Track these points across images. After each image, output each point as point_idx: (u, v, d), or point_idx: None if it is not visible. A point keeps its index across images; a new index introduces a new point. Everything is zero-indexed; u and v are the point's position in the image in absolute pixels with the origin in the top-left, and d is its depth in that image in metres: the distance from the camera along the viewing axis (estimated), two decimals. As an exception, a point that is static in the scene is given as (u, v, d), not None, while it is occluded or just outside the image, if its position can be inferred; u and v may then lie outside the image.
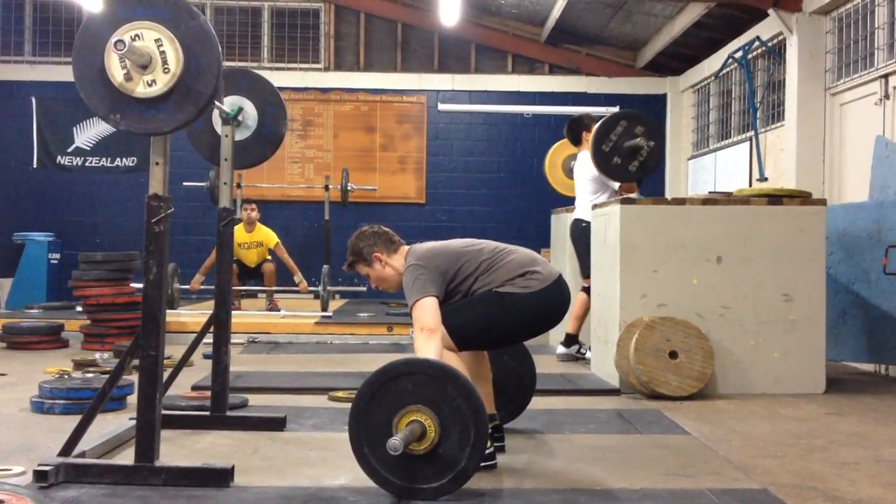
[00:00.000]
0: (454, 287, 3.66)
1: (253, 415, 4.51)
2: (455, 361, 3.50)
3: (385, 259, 3.78)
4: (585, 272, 6.63)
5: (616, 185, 6.60)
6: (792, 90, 8.39)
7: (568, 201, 8.41)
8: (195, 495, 3.11)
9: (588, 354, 6.56)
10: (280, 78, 11.15)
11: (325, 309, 9.17)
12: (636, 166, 6.40)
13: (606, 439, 4.21)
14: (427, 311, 3.48)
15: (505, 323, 3.63)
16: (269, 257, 9.90)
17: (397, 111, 12.17)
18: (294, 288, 9.84)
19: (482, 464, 3.51)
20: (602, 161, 6.39)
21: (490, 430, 3.83)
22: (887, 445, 4.15)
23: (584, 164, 6.73)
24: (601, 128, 6.35)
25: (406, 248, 3.81)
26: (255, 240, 9.76)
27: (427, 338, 3.42)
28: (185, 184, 10.75)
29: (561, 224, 7.69)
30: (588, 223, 6.47)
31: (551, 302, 3.70)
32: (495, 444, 3.81)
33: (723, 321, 5.52)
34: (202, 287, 9.46)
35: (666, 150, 12.27)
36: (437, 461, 3.10)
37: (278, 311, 9.41)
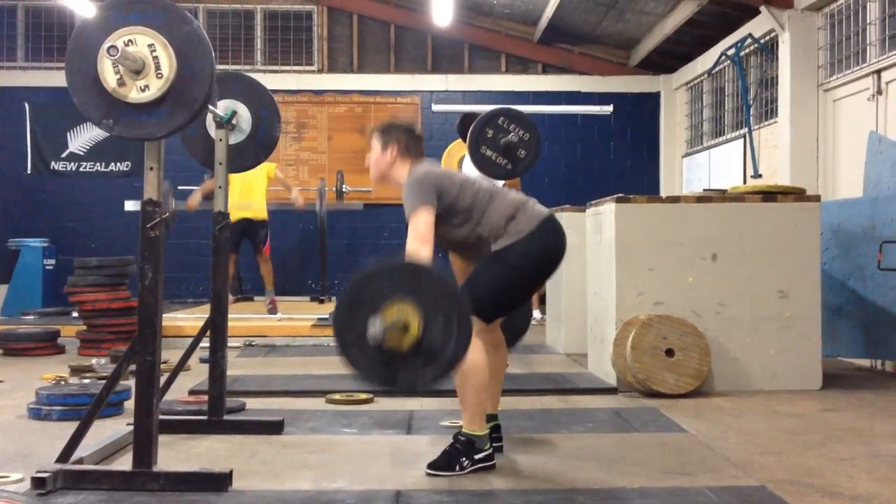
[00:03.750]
0: (449, 211, 3.64)
1: (250, 418, 4.51)
2: (480, 352, 3.50)
3: (395, 154, 3.77)
4: None
5: (500, 182, 6.60)
6: (785, 87, 8.41)
7: (562, 201, 8.41)
8: (193, 500, 3.11)
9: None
10: (274, 81, 11.16)
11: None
12: (515, 161, 6.44)
13: (604, 438, 4.22)
14: (423, 221, 3.51)
15: (516, 280, 3.65)
16: (265, 215, 9.57)
17: (391, 112, 12.16)
18: (292, 294, 9.79)
19: (480, 465, 3.52)
20: (482, 161, 6.41)
21: (488, 430, 3.85)
22: (884, 440, 4.16)
23: (469, 164, 6.70)
24: (475, 129, 6.29)
25: (413, 165, 3.79)
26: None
27: (420, 244, 3.45)
28: (179, 187, 10.73)
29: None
30: None
31: (549, 241, 3.71)
32: (494, 445, 3.82)
33: (719, 318, 5.53)
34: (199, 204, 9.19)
35: (660, 148, 12.32)
36: (423, 353, 3.08)
37: (276, 313, 9.37)
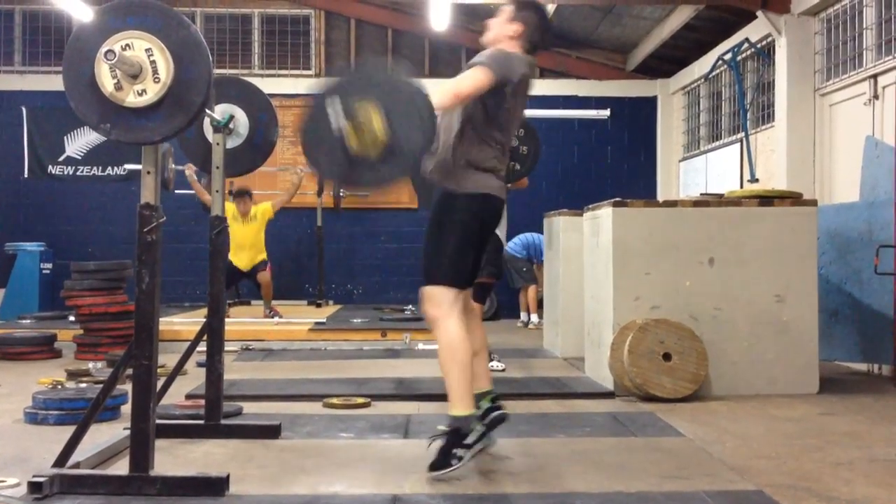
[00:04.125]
0: (491, 103, 3.65)
1: (248, 423, 4.50)
2: (459, 327, 3.53)
3: (517, 33, 3.82)
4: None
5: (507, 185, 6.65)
6: (781, 91, 8.42)
7: (559, 205, 8.43)
8: (190, 505, 3.11)
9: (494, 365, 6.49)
10: (271, 85, 11.16)
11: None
12: (517, 164, 6.55)
13: (601, 442, 4.22)
14: (475, 79, 3.57)
15: (469, 234, 3.66)
16: (264, 256, 9.77)
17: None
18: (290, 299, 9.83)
19: (476, 450, 3.52)
20: None
21: (488, 405, 3.80)
22: (881, 445, 4.16)
23: None
24: None
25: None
26: (250, 214, 9.61)
27: (452, 94, 3.50)
28: (176, 192, 10.73)
29: (553, 227, 7.70)
30: None
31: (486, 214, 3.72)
32: (498, 412, 3.78)
33: (716, 323, 5.53)
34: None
35: (657, 152, 12.34)
36: (393, 151, 3.14)
37: (280, 317, 9.40)
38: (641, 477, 3.55)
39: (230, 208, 9.00)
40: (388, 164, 3.15)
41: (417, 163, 3.19)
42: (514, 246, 9.80)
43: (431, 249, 3.68)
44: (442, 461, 3.50)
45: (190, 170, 9.49)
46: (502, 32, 3.84)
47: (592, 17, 10.96)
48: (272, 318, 9.38)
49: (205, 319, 4.33)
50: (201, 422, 4.28)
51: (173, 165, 9.62)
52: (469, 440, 3.53)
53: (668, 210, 5.67)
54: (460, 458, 3.49)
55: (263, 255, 9.77)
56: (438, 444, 3.56)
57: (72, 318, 8.36)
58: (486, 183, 3.68)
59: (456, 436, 3.53)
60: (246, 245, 9.58)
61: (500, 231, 6.67)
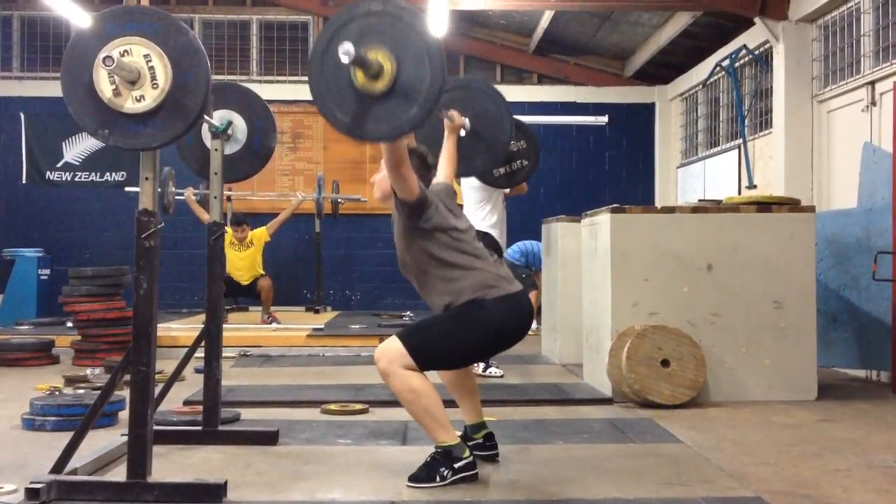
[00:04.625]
0: (429, 230, 3.61)
1: (245, 429, 4.50)
2: (418, 378, 3.49)
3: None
4: None
5: (505, 189, 6.67)
6: (779, 98, 8.43)
7: (557, 211, 8.43)
8: (188, 511, 3.11)
9: (492, 371, 6.54)
10: (269, 91, 11.18)
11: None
12: (516, 169, 6.51)
13: (599, 449, 4.21)
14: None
15: (466, 341, 3.58)
16: (262, 272, 9.87)
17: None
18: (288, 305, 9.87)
19: (462, 474, 3.48)
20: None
21: (481, 440, 3.84)
22: (880, 451, 4.16)
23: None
24: None
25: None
26: (246, 240, 9.76)
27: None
28: (175, 197, 10.72)
29: (552, 233, 7.71)
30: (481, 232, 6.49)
31: (511, 319, 3.62)
32: (489, 453, 3.81)
33: (714, 329, 5.53)
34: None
35: (655, 159, 12.35)
36: (398, 94, 3.10)
37: (279, 322, 9.42)
38: (640, 483, 3.54)
39: (227, 235, 9.08)
40: (400, 103, 3.10)
41: (430, 105, 3.11)
42: (512, 253, 9.82)
43: (426, 325, 3.65)
44: (424, 475, 3.48)
45: (189, 192, 9.58)
46: (385, 186, 3.74)
47: (590, 23, 10.98)
48: (270, 323, 9.38)
49: (203, 325, 4.33)
50: (199, 428, 4.28)
51: (174, 189, 9.67)
52: (458, 464, 3.50)
53: (667, 216, 5.67)
54: (443, 479, 3.46)
55: (261, 272, 9.92)
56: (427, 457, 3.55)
57: (70, 324, 8.35)
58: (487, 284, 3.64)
59: (447, 457, 3.50)
60: (243, 268, 9.79)
61: (502, 220, 6.68)
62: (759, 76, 9.28)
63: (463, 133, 4.48)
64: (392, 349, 3.53)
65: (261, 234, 9.93)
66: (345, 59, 3.00)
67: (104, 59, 3.03)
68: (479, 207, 6.55)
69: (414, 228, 3.61)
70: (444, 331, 3.57)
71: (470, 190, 6.63)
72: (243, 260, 9.75)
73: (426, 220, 3.59)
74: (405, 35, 3.12)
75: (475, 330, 3.56)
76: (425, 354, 3.53)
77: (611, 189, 12.00)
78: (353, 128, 3.18)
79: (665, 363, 5.26)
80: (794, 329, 5.57)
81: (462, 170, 4.72)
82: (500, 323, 3.57)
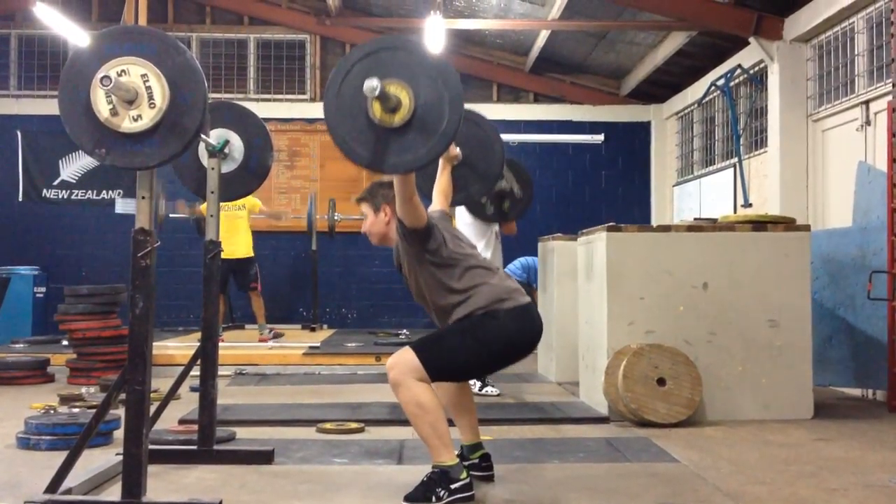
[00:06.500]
0: (437, 251, 3.63)
1: (240, 448, 4.49)
2: (426, 391, 3.49)
3: (391, 213, 3.76)
4: None
5: (496, 227, 6.73)
6: (774, 117, 8.47)
7: (553, 230, 8.44)
8: (183, 531, 3.09)
9: (489, 390, 6.53)
10: (266, 109, 11.21)
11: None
12: (508, 207, 6.66)
13: (596, 468, 4.21)
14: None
15: (479, 352, 3.60)
16: (252, 254, 9.59)
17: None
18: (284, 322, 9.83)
19: (458, 496, 3.47)
20: (476, 209, 6.56)
21: (477, 461, 3.83)
22: (876, 470, 4.16)
23: (462, 212, 6.77)
24: None
25: None
26: (238, 203, 9.25)
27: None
28: (171, 215, 10.73)
29: (548, 252, 7.72)
30: None
31: (524, 331, 3.66)
32: (484, 474, 3.80)
33: (710, 347, 5.53)
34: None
35: (651, 177, 12.38)
36: (415, 127, 3.13)
37: (281, 335, 9.38)
38: (636, 503, 3.54)
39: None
40: (418, 136, 3.13)
41: (446, 139, 3.14)
42: (514, 268, 9.81)
43: (440, 336, 3.66)
44: (420, 495, 3.47)
45: (181, 205, 9.50)
46: (382, 226, 3.81)
47: (586, 42, 11.03)
48: (272, 337, 9.36)
49: (198, 344, 4.33)
50: (194, 447, 4.27)
51: (164, 202, 9.61)
52: (455, 485, 3.49)
53: (662, 235, 5.68)
54: (439, 499, 3.45)
55: (252, 251, 9.56)
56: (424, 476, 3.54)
57: (65, 343, 8.33)
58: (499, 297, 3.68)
59: (444, 477, 3.49)
60: (240, 228, 9.36)
61: (497, 256, 6.69)
62: (755, 95, 9.32)
63: (455, 163, 4.49)
64: (405, 360, 3.53)
65: (254, 202, 9.50)
66: (370, 94, 3.04)
67: (102, 78, 3.04)
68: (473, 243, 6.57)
69: (424, 252, 3.62)
70: (458, 342, 3.58)
71: (464, 226, 6.65)
72: (235, 223, 9.22)
73: (434, 241, 3.62)
74: (421, 68, 3.16)
75: (489, 341, 3.58)
76: (438, 365, 3.54)
77: (607, 207, 12.02)
78: (372, 161, 3.20)
79: (661, 382, 5.26)
80: (790, 348, 5.58)
81: (456, 198, 4.72)
82: (513, 334, 3.60)
